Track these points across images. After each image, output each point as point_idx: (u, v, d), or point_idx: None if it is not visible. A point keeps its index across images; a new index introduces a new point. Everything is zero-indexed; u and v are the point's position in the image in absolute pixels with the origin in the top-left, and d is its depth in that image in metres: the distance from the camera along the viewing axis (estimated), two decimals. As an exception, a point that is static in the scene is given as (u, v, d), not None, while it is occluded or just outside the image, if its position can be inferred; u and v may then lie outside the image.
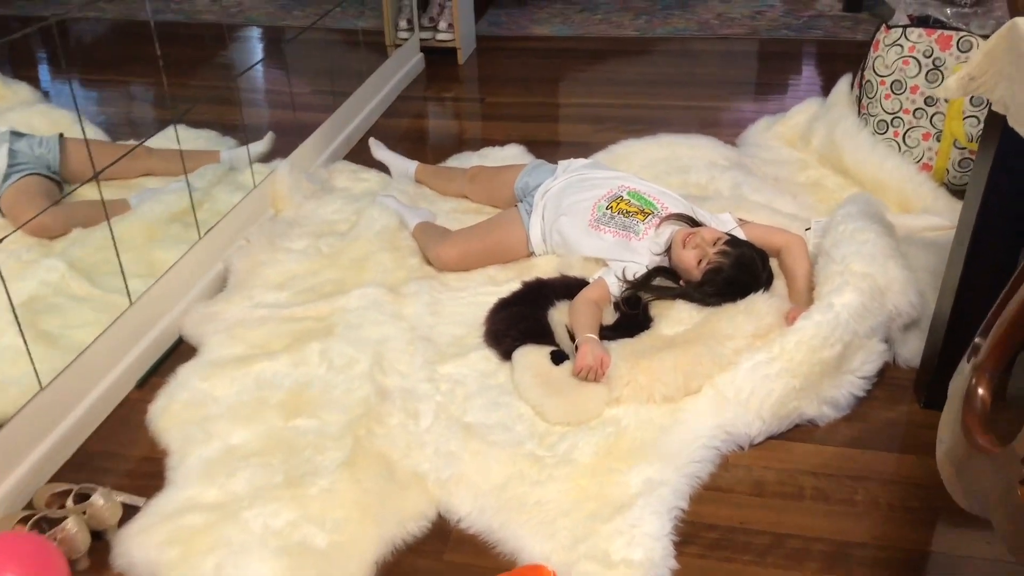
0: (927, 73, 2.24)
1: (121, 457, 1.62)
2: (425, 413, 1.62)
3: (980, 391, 1.07)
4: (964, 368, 1.16)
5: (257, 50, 2.76)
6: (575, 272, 1.97)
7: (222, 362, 1.76)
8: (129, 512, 1.46)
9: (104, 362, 1.73)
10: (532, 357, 1.74)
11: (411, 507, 1.45)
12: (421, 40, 3.54)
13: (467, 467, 1.51)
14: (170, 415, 1.64)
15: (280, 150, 2.48)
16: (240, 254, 2.10)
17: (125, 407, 1.74)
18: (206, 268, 2.05)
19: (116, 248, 1.77)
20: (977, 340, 1.17)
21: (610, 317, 1.85)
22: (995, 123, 1.43)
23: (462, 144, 2.87)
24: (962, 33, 2.18)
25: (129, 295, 1.80)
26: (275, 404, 1.66)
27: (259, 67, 2.55)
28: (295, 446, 1.56)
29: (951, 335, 1.59)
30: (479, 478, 1.49)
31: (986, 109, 2.11)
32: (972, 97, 2.17)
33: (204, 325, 1.90)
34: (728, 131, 2.82)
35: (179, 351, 1.89)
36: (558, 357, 1.73)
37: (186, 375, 1.73)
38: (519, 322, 1.83)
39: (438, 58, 3.58)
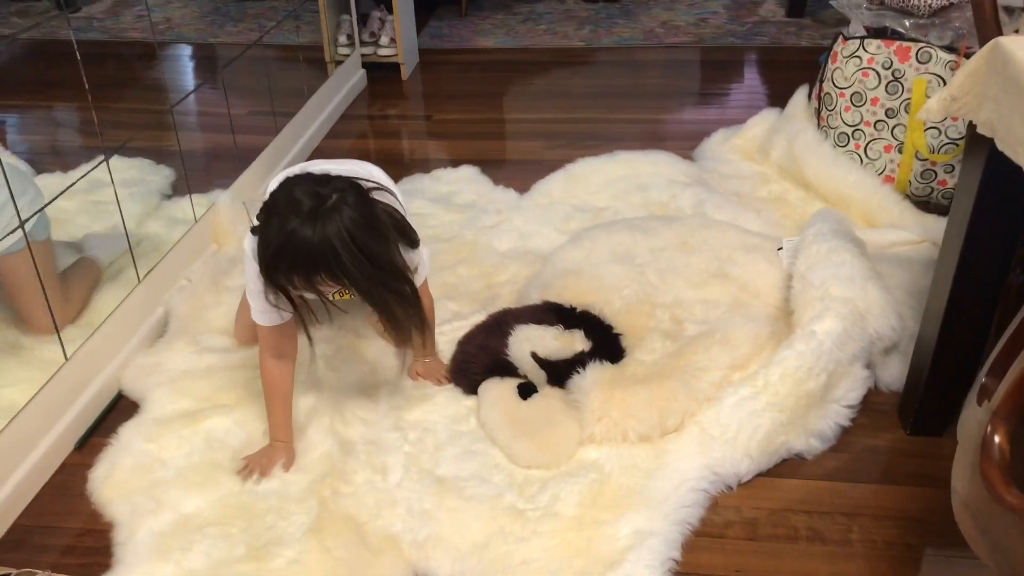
0: (887, 85, 2.21)
1: (61, 531, 1.47)
2: (393, 467, 1.52)
3: (998, 439, 1.01)
4: (973, 411, 1.10)
5: (189, 69, 2.61)
6: (550, 298, 1.88)
7: (167, 419, 1.63)
8: (73, 598, 1.32)
9: (39, 424, 1.58)
10: (498, 391, 1.65)
11: (386, 574, 1.34)
12: (362, 56, 3.42)
13: (443, 527, 1.40)
14: (114, 484, 1.50)
15: (219, 178, 2.34)
16: (181, 296, 1.96)
17: (63, 473, 1.60)
18: (145, 314, 1.91)
19: (47, 298, 1.63)
20: (985, 380, 1.11)
21: (583, 344, 1.76)
22: (978, 144, 1.39)
23: (411, 166, 2.76)
24: (921, 44, 2.15)
25: (64, 349, 1.65)
26: (229, 466, 1.53)
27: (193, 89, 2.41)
28: (255, 512, 1.44)
29: (938, 361, 1.55)
30: (458, 538, 1.39)
31: (952, 124, 2.10)
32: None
33: (145, 378, 1.75)
34: (681, 143, 2.76)
35: (120, 407, 1.75)
36: (525, 390, 1.65)
37: (128, 436, 1.59)
38: (483, 354, 1.74)
39: (381, 74, 3.47)
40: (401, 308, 1.37)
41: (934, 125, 2.17)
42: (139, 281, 1.88)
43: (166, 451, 1.56)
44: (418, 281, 1.51)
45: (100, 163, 1.83)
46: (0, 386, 1.59)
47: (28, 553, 1.43)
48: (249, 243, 1.42)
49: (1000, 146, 1.27)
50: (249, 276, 1.45)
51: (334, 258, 1.28)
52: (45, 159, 2.00)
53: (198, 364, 1.78)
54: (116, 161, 2.22)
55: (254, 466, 1.51)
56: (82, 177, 1.81)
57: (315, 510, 1.43)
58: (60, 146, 2.16)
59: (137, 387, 1.75)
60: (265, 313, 1.47)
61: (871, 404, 1.69)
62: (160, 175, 2.23)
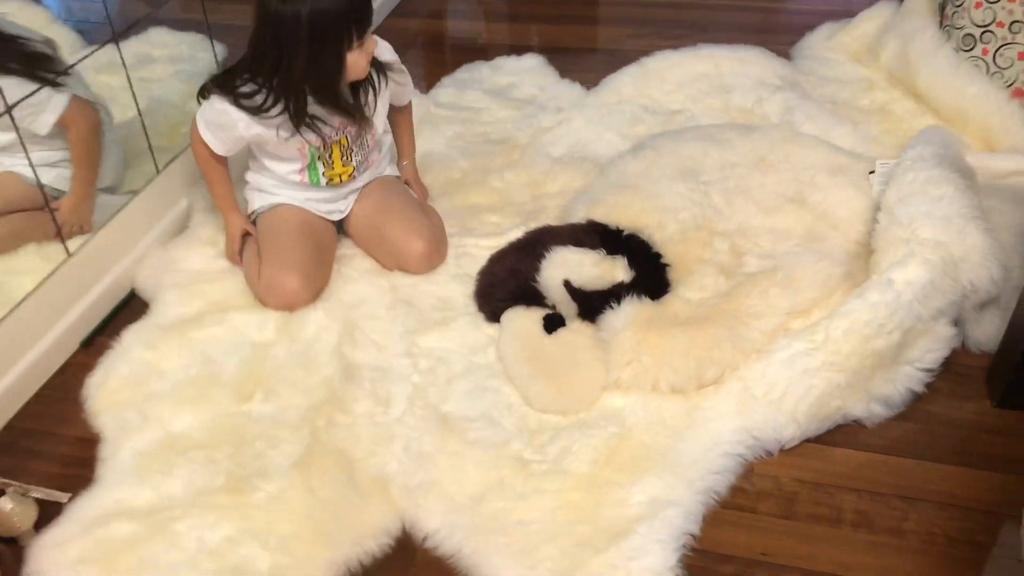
0: (1030, -23, 1.84)
1: (54, 437, 1.42)
2: (398, 398, 1.39)
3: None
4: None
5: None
6: (598, 216, 1.67)
7: (173, 325, 1.54)
8: (52, 509, 1.26)
9: (43, 317, 1.51)
10: (521, 323, 1.49)
11: (371, 521, 1.23)
12: (440, -76, 3.14)
13: (441, 472, 1.28)
14: (107, 393, 1.43)
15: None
16: (207, 190, 1.83)
17: (65, 373, 1.54)
18: (167, 206, 1.80)
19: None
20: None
21: (625, 274, 1.57)
22: None
23: (478, 51, 2.53)
24: (1080, -72, 1.76)
25: (65, 245, 1.56)
26: (227, 381, 1.43)
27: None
28: (245, 436, 1.34)
29: (1041, 323, 1.29)
30: (453, 487, 1.26)
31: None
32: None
33: (159, 276, 1.66)
34: (785, 37, 2.43)
35: (133, 305, 1.67)
36: (552, 323, 1.48)
37: (130, 341, 1.51)
38: (511, 278, 1.57)
39: (459, -54, 3.18)
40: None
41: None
42: (157, 171, 1.77)
43: (165, 360, 1.47)
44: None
45: (106, 42, 1.68)
46: (12, 273, 1.52)
47: (16, 458, 1.38)
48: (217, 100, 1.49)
49: None
50: (217, 109, 1.49)
51: None
52: (102, 30, 1.88)
53: (213, 266, 1.68)
54: (164, 35, 2.09)
55: (232, 252, 1.64)
56: (85, 56, 1.66)
57: (307, 440, 1.32)
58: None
59: (150, 285, 1.66)
60: (218, 139, 1.53)
61: (955, 367, 1.45)
62: (211, 53, 2.09)
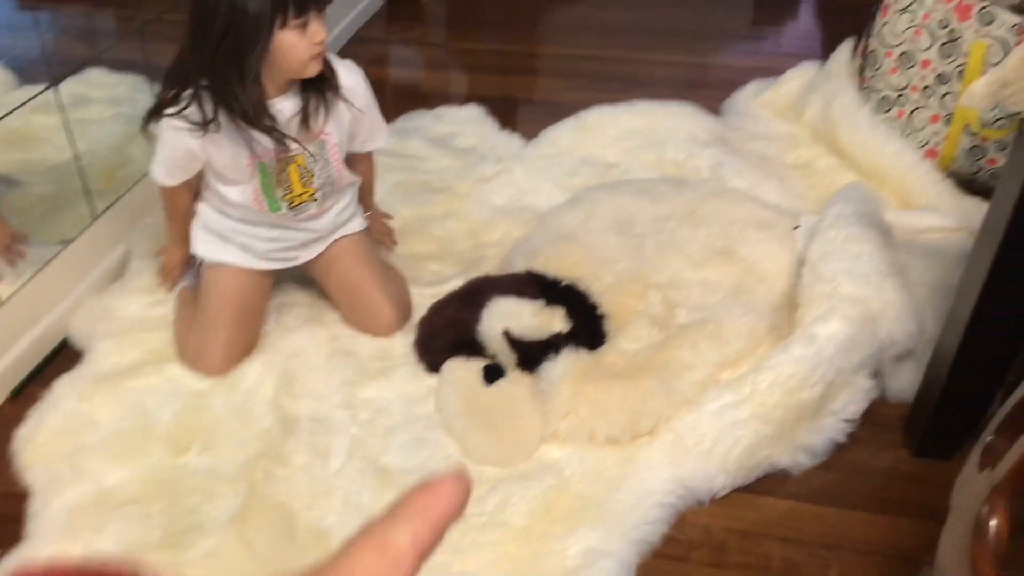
0: (941, 46, 1.96)
1: (-20, 491, 1.39)
2: (337, 451, 1.40)
3: (994, 521, 0.84)
4: (973, 476, 0.93)
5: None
6: (536, 266, 1.71)
7: (107, 375, 1.52)
8: (-22, 569, 1.23)
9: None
10: (461, 374, 1.51)
11: (309, 575, 1.23)
12: (382, -28, 3.19)
13: (378, 525, 1.28)
14: (37, 446, 1.40)
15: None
16: (146, 235, 1.83)
17: (-6, 424, 1.51)
18: (104, 251, 1.78)
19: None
20: (991, 440, 0.94)
21: (564, 325, 1.61)
22: (1026, 141, 1.18)
23: (419, 99, 2.57)
24: (984, 3, 1.89)
25: None
26: (163, 433, 1.42)
27: None
28: (180, 490, 1.33)
29: (955, 375, 1.37)
30: (391, 540, 1.26)
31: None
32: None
33: (94, 325, 1.64)
34: (715, 92, 2.53)
35: (65, 354, 1.64)
36: (491, 374, 1.50)
37: (62, 392, 1.49)
38: (451, 328, 1.60)
39: (401, -7, 3.24)
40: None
41: (990, 97, 1.92)
42: (91, 219, 1.75)
43: (99, 411, 1.45)
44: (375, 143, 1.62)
45: (46, 88, 1.67)
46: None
47: (-60, 514, 1.34)
48: (168, 122, 1.40)
49: (1050, 150, 1.06)
50: (166, 138, 1.43)
51: None
52: (35, 67, 1.86)
53: (151, 314, 1.66)
54: (103, 76, 2.08)
55: (167, 271, 1.67)
56: (24, 103, 1.65)
57: (244, 494, 1.32)
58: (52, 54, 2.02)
59: (84, 334, 1.64)
60: (173, 170, 1.48)
61: (874, 416, 1.51)
62: (150, 95, 2.09)
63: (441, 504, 0.31)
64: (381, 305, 1.61)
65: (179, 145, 1.42)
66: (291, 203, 1.50)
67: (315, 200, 1.52)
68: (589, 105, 2.37)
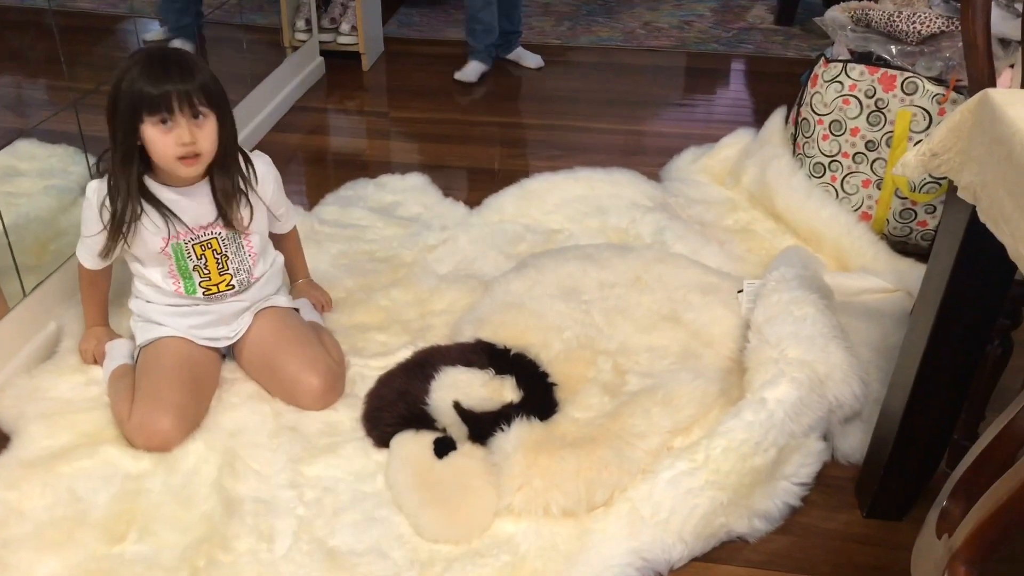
0: (869, 115, 2.04)
1: None
2: (283, 533, 1.34)
3: (957, 588, 0.84)
4: (930, 542, 0.94)
5: (136, 45, 2.41)
6: (485, 335, 1.70)
7: (37, 459, 1.44)
8: None
9: None
10: (411, 447, 1.48)
11: (255, 669, 1.17)
12: (321, 43, 3.21)
13: (329, 612, 1.23)
14: (-41, 540, 1.32)
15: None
16: (78, 312, 1.76)
17: (-89, 517, 1.41)
18: (33, 330, 1.71)
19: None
20: (947, 504, 0.95)
21: (514, 394, 1.59)
22: (957, 207, 1.22)
23: (362, 167, 2.56)
24: (907, 74, 1.98)
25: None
26: (97, 521, 1.35)
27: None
28: (116, 582, 1.26)
29: (903, 436, 1.38)
30: (342, 627, 1.21)
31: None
32: (916, 143, 1.98)
33: (22, 406, 1.56)
34: (652, 159, 2.59)
35: (-9, 439, 1.56)
36: (442, 447, 1.47)
37: (-13, 480, 1.41)
38: (399, 401, 1.57)
39: (341, 63, 3.26)
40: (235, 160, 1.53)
41: (917, 162, 2.00)
42: (24, 294, 1.69)
43: (27, 500, 1.37)
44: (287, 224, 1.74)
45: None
46: None
47: None
48: (92, 187, 1.51)
49: (982, 217, 1.09)
50: (87, 219, 1.52)
51: (188, 58, 1.44)
52: None
53: (84, 394, 1.60)
54: (33, 147, 2.02)
55: (87, 356, 1.66)
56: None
57: (185, 583, 1.25)
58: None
59: (12, 416, 1.56)
60: (93, 256, 1.56)
61: (826, 478, 1.52)
62: (85, 166, 2.04)
63: None
64: (304, 375, 1.56)
65: (96, 232, 1.52)
66: (207, 290, 1.58)
67: (232, 288, 1.59)
68: (531, 173, 2.40)
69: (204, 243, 1.54)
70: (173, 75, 1.40)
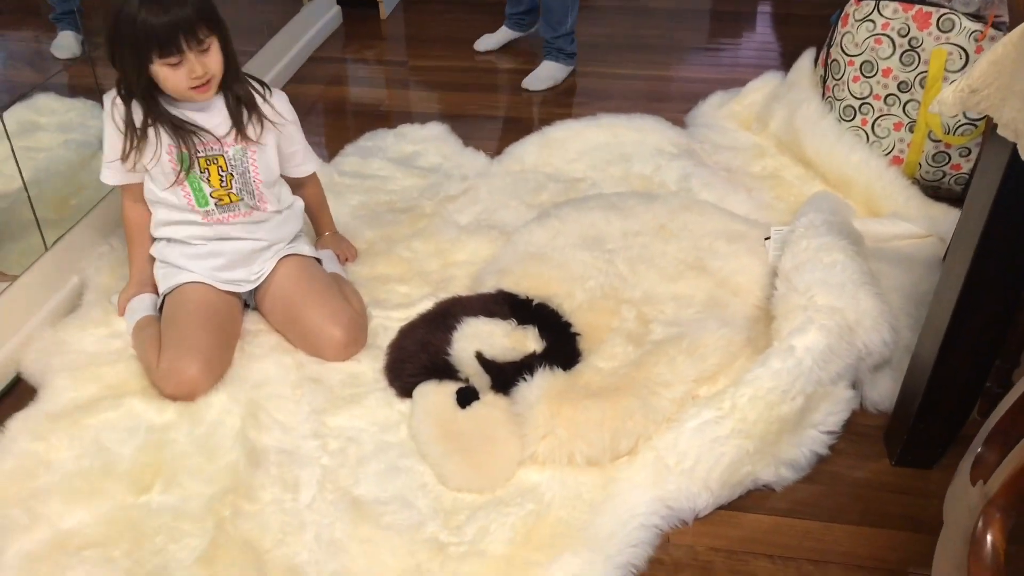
0: (902, 55, 1.97)
1: (-71, 541, 1.31)
2: (307, 483, 1.34)
3: (991, 537, 0.82)
4: (965, 488, 0.92)
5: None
6: (507, 285, 1.68)
7: (63, 412, 1.45)
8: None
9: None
10: (434, 398, 1.47)
11: (281, 616, 1.18)
12: (338, -9, 3.16)
13: (354, 560, 1.23)
14: (-11, 490, 1.33)
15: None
16: (100, 265, 1.77)
17: (-58, 469, 1.43)
18: (56, 283, 1.72)
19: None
20: (982, 451, 0.92)
21: (537, 344, 1.57)
22: (996, 146, 1.17)
23: (382, 118, 2.53)
24: (943, 10, 1.90)
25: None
26: (123, 472, 1.36)
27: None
28: (144, 531, 1.27)
29: (934, 383, 1.35)
30: (368, 575, 1.22)
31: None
32: (951, 83, 1.91)
33: (48, 359, 1.57)
34: (678, 105, 2.53)
35: (18, 391, 1.57)
36: (465, 397, 1.46)
37: (15, 431, 1.41)
38: (421, 352, 1.55)
39: (358, 12, 3.20)
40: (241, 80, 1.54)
41: (951, 103, 1.93)
42: (46, 248, 1.69)
43: (54, 451, 1.39)
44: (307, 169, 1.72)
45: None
46: None
47: None
48: (108, 100, 1.52)
49: (1023, 152, 1.05)
50: (108, 135, 1.54)
51: None
52: None
53: (108, 347, 1.60)
54: (52, 101, 2.01)
55: (120, 307, 1.65)
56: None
57: (211, 532, 1.26)
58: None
59: (37, 370, 1.57)
60: (119, 171, 1.56)
61: (855, 427, 1.50)
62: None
63: None
64: (326, 327, 1.56)
65: (115, 141, 1.53)
66: (219, 200, 1.56)
67: (242, 201, 1.57)
68: (553, 120, 2.35)
69: (210, 158, 1.53)
70: (170, 8, 1.37)
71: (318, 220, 1.84)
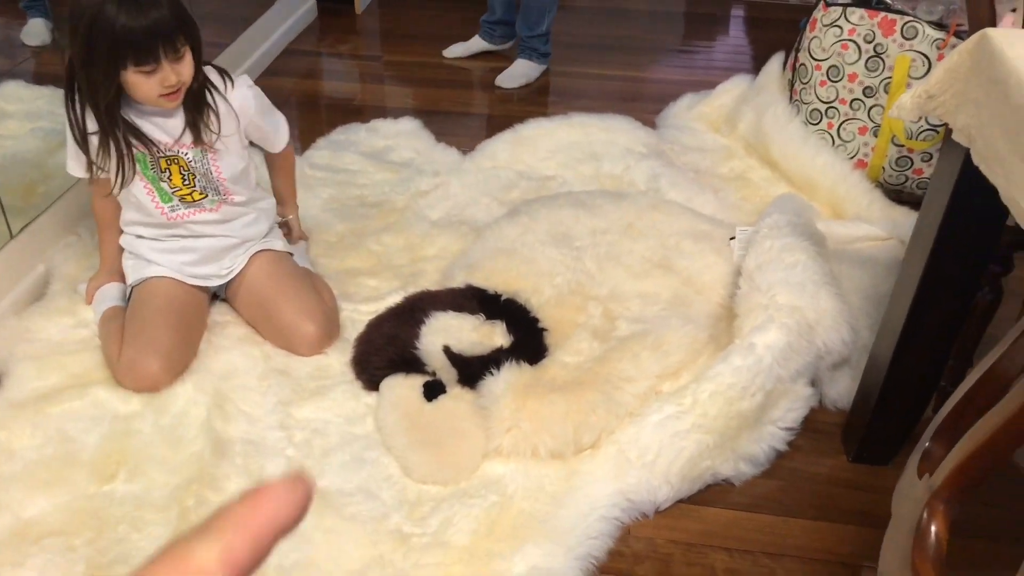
0: (867, 60, 2.01)
1: None
2: (272, 474, 1.35)
3: (935, 528, 0.85)
4: (911, 482, 0.94)
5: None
6: (476, 280, 1.69)
7: (26, 400, 1.45)
8: None
9: None
10: (400, 391, 1.48)
11: (244, 604, 1.18)
12: (314, -15, 3.15)
13: (317, 550, 1.24)
14: (-51, 478, 1.32)
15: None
16: (67, 254, 1.76)
17: (-98, 457, 1.42)
18: (21, 271, 1.70)
19: None
20: (929, 446, 0.95)
21: (504, 339, 1.59)
22: (951, 151, 1.20)
23: (353, 112, 2.53)
24: (907, 18, 1.94)
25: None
26: (87, 460, 1.36)
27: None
28: (106, 520, 1.27)
29: (890, 382, 1.39)
30: (331, 565, 1.23)
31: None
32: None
33: (12, 347, 1.56)
34: (649, 106, 2.56)
35: (-20, 380, 1.56)
36: (431, 390, 1.48)
37: (-23, 420, 1.41)
38: (389, 345, 1.56)
39: (333, 6, 3.20)
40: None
41: (914, 109, 1.97)
42: (11, 236, 1.68)
43: (17, 440, 1.38)
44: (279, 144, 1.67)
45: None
46: None
47: None
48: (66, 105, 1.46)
49: (975, 159, 1.08)
50: (70, 139, 1.50)
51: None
52: None
53: (74, 336, 1.59)
54: (20, 89, 2.00)
55: (88, 296, 1.64)
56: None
57: (175, 522, 1.26)
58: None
59: (1, 358, 1.56)
60: (84, 164, 1.51)
61: (813, 423, 1.53)
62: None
63: (264, 513, 0.27)
64: (300, 323, 1.56)
65: (76, 149, 1.50)
66: (182, 198, 1.54)
67: (205, 197, 1.54)
68: (525, 118, 2.37)
69: (169, 158, 1.49)
70: (149, 12, 1.33)
71: (282, 193, 1.77)
